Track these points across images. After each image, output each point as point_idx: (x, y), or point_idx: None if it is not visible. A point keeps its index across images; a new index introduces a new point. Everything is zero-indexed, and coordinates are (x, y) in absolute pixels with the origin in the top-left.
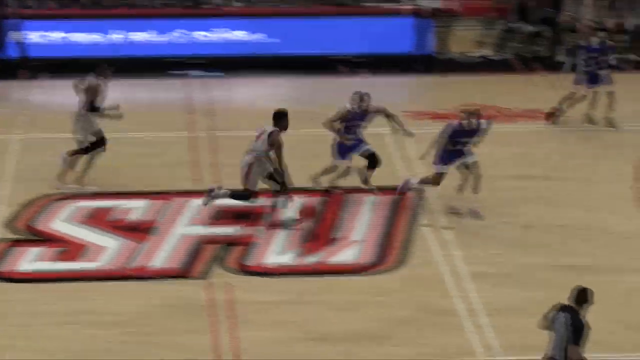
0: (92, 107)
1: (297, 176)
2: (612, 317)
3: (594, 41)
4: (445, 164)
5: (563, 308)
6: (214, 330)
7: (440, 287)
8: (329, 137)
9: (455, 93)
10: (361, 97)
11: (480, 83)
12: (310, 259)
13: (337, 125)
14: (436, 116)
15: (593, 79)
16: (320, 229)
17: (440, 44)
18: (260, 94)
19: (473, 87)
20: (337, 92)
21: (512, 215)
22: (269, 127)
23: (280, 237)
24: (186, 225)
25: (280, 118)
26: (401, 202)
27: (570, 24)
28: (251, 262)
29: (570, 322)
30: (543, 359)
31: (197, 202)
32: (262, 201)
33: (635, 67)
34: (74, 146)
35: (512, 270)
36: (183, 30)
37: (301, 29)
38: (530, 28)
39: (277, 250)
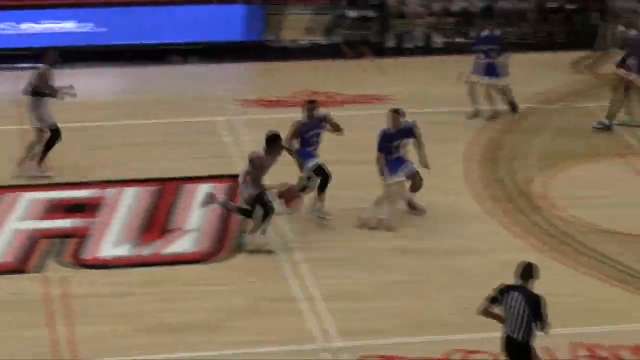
0: (35, 91)
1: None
2: (450, 298)
3: (483, 32)
4: (395, 173)
5: (512, 287)
6: (50, 324)
7: (277, 274)
8: (168, 126)
9: (287, 80)
10: (312, 104)
11: (311, 69)
12: (146, 250)
13: (294, 143)
14: (267, 103)
15: (485, 71)
16: (155, 219)
17: (271, 30)
18: (89, 85)
19: (304, 74)
20: (169, 82)
21: (347, 200)
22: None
23: (115, 228)
24: (19, 219)
25: (271, 142)
26: (236, 190)
27: (399, 9)
28: (87, 255)
29: (525, 299)
30: (501, 339)
31: (30, 196)
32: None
33: (462, 49)
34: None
35: (348, 255)
36: (10, 23)
37: (131, 18)
38: (359, 13)
39: (112, 242)
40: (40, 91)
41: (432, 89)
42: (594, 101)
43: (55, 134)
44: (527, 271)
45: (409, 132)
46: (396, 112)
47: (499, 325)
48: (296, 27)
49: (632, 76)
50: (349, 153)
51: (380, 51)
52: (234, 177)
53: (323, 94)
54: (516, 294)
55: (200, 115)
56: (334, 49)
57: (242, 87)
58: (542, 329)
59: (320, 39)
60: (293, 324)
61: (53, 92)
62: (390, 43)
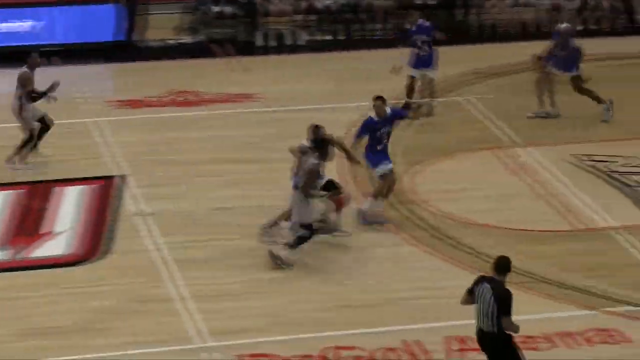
0: (32, 97)
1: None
2: (322, 295)
3: (413, 24)
4: (381, 163)
5: (484, 279)
6: None
7: (150, 274)
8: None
9: (156, 80)
10: (317, 129)
11: (180, 68)
12: (17, 254)
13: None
14: (136, 104)
15: (416, 63)
16: (26, 223)
17: (138, 30)
18: None
19: (173, 73)
20: (36, 84)
21: (216, 200)
22: (312, 159)
23: None
24: None
25: (323, 146)
26: (107, 191)
27: (266, 7)
28: None
29: (492, 292)
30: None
31: None
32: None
33: (325, 45)
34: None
35: (219, 255)
36: None
37: None
38: (226, 11)
39: None
40: (36, 94)
41: (300, 87)
42: (460, 95)
43: (32, 135)
44: (501, 264)
45: (398, 115)
46: (382, 100)
47: (371, 321)
48: (164, 26)
49: (553, 69)
50: (215, 152)
51: (248, 49)
52: (106, 178)
53: (191, 93)
54: (486, 285)
55: (70, 117)
56: (202, 47)
57: (111, 87)
58: (510, 329)
59: (187, 38)
60: (168, 325)
61: (41, 95)
62: (259, 41)
